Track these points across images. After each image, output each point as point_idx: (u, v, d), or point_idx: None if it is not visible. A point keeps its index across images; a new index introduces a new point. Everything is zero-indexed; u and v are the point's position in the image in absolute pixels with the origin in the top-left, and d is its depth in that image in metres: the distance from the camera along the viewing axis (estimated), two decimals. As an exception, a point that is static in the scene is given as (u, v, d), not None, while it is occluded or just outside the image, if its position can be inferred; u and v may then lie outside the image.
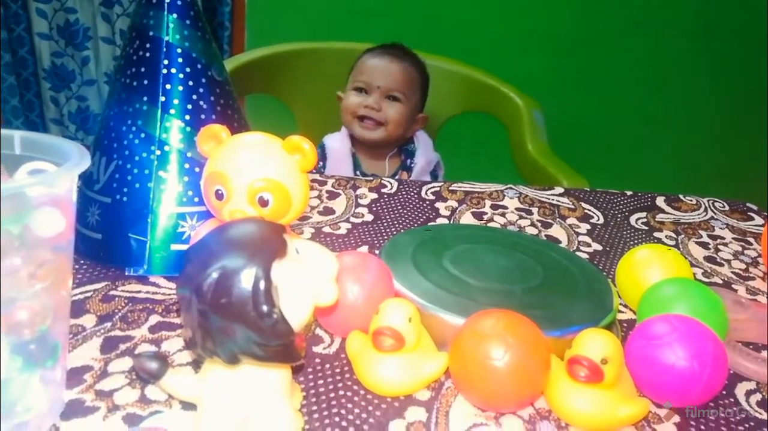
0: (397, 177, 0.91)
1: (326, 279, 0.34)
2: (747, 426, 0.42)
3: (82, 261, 0.53)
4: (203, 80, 0.52)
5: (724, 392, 0.45)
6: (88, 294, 0.49)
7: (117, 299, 0.49)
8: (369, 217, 0.67)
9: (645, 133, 2.24)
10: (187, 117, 0.51)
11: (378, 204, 0.70)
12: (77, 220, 0.43)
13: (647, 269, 0.53)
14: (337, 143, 1.21)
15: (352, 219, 0.66)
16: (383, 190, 0.73)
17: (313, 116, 1.45)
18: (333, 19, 2.06)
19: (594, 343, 0.39)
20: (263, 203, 0.42)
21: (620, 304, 0.56)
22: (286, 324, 0.31)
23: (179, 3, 0.51)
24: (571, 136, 2.12)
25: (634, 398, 0.41)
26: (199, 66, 0.52)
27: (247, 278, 0.30)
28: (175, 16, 0.51)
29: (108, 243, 0.51)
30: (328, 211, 0.67)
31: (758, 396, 0.46)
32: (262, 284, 0.30)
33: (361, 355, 0.40)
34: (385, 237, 0.63)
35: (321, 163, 1.21)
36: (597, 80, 2.15)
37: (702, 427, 0.42)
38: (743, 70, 2.18)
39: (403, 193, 0.73)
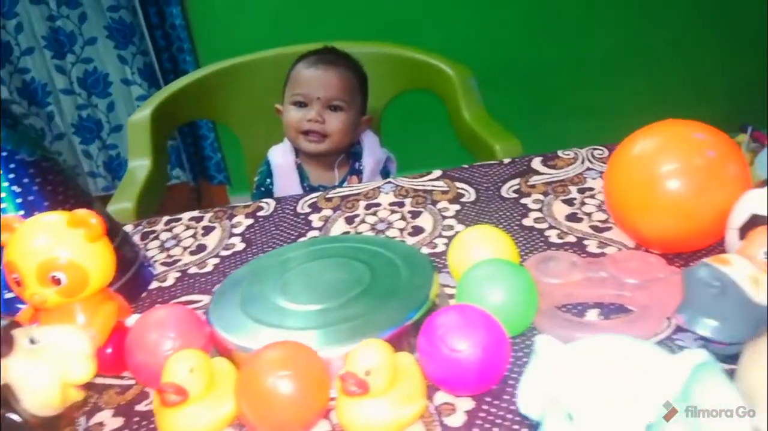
0: (345, 184, 0.92)
1: (76, 358, 0.37)
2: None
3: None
4: (12, 166, 0.55)
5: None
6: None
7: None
8: (240, 246, 0.70)
9: (590, 76, 2.24)
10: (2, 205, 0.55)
11: (252, 230, 0.73)
12: None
13: (468, 253, 0.56)
14: (281, 157, 1.21)
15: (222, 252, 0.70)
16: (259, 213, 0.76)
17: (254, 131, 1.48)
18: (269, 23, 2.09)
19: (358, 357, 0.42)
20: (56, 281, 0.46)
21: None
22: (33, 417, 0.35)
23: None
24: (517, 95, 2.14)
25: (413, 397, 0.43)
26: (4, 154, 0.55)
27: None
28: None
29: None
30: (200, 248, 0.71)
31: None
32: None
33: (158, 410, 0.44)
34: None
35: (268, 180, 1.22)
36: (530, 32, 2.15)
37: (490, 416, 0.44)
38: None
39: (279, 212, 0.76)
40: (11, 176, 0.55)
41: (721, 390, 0.29)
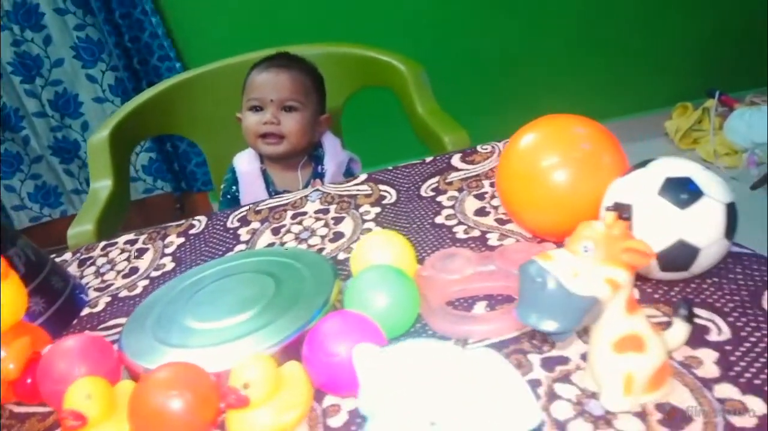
0: (309, 187, 0.94)
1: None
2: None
3: None
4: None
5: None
6: None
7: None
8: (171, 265, 0.74)
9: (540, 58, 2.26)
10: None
11: (183, 249, 0.77)
12: None
13: (363, 259, 0.59)
14: (246, 164, 1.24)
15: (153, 274, 0.73)
16: (191, 231, 0.80)
17: (218, 141, 1.50)
18: (250, 22, 2.11)
19: (236, 372, 0.45)
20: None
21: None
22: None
23: None
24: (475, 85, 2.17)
25: (296, 403, 0.47)
26: None
27: None
28: None
29: None
30: (132, 271, 0.74)
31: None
32: None
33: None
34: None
35: (234, 187, 1.26)
36: (482, 25, 2.16)
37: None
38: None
39: (210, 228, 0.80)
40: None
41: (505, 382, 0.31)
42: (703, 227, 0.49)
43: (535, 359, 0.49)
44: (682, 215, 0.49)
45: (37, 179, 2.30)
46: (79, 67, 2.16)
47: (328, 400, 0.49)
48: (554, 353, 0.50)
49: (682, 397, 0.43)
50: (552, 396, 0.46)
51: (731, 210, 0.49)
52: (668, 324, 0.45)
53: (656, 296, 0.53)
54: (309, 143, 1.21)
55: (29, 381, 0.54)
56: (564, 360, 0.49)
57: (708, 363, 0.45)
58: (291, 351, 0.51)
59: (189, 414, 0.45)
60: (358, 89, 1.50)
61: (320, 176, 1.23)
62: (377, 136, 1.85)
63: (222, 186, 1.29)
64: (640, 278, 0.55)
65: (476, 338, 0.53)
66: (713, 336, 0.48)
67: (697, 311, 0.50)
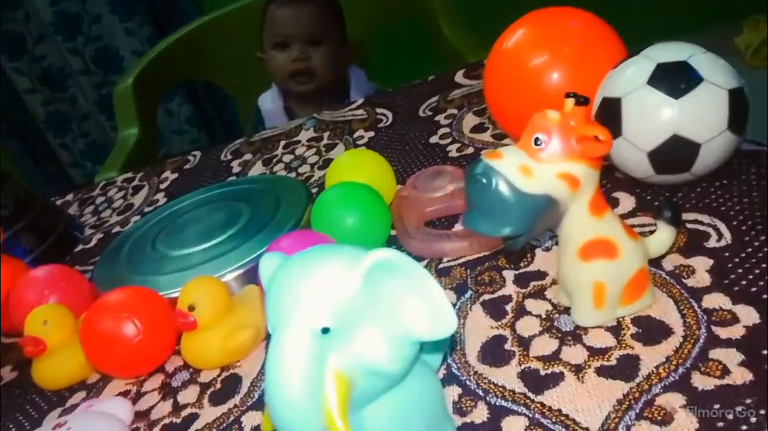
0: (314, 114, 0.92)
1: None
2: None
3: None
4: None
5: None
6: None
7: None
8: (163, 201, 0.73)
9: None
10: None
11: (176, 184, 0.75)
12: None
13: (336, 178, 0.55)
14: (269, 102, 1.23)
15: (146, 209, 0.72)
16: (185, 166, 0.78)
17: (243, 83, 1.49)
18: None
19: (183, 295, 0.43)
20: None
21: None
22: None
23: None
24: None
25: (248, 325, 0.44)
26: None
27: None
28: None
29: None
30: (127, 208, 0.74)
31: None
32: None
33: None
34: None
35: (260, 127, 1.25)
36: None
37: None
38: None
39: (203, 162, 0.78)
40: None
41: (405, 285, 0.28)
42: (701, 119, 0.42)
43: (509, 275, 0.45)
44: (676, 105, 0.42)
45: (87, 136, 2.37)
46: (116, 22, 2.17)
47: (290, 324, 0.47)
48: (531, 268, 0.45)
49: (664, 309, 0.38)
50: (520, 312, 0.41)
51: (736, 97, 0.42)
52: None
53: (657, 203, 0.47)
54: (337, 77, 1.17)
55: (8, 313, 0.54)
56: (541, 275, 0.44)
57: (700, 271, 0.40)
58: (255, 275, 0.49)
59: (137, 335, 0.43)
60: (383, 20, 1.44)
61: None
62: (406, 67, 1.77)
63: (247, 128, 1.28)
64: (640, 186, 0.49)
65: (451, 256, 0.49)
66: (712, 243, 0.41)
67: (699, 216, 0.44)
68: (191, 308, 0.43)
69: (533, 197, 0.34)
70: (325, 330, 0.27)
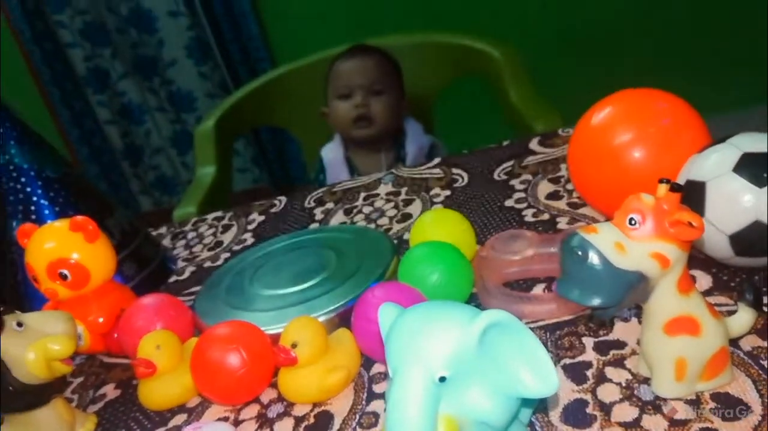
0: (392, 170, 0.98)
1: (56, 337, 0.46)
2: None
3: None
4: (39, 183, 0.66)
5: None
6: None
7: None
8: (251, 240, 0.78)
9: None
10: (33, 217, 0.66)
11: (263, 225, 0.81)
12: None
13: (421, 235, 0.59)
14: (331, 152, 1.31)
15: (235, 247, 0.78)
16: (272, 209, 0.84)
17: (313, 132, 1.57)
18: (338, 22, 2.16)
19: (286, 332, 0.48)
20: (63, 277, 0.56)
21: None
22: (22, 385, 0.44)
23: (7, 124, 0.65)
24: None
25: (342, 366, 0.48)
26: (32, 173, 0.66)
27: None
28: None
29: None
30: (217, 245, 0.79)
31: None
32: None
33: (140, 383, 0.53)
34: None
35: (322, 175, 1.32)
36: None
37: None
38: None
39: (288, 208, 0.83)
40: (39, 191, 0.66)
41: (514, 344, 0.31)
42: (783, 208, 0.45)
43: (588, 341, 0.48)
44: (760, 193, 0.45)
45: (157, 169, 2.50)
46: (191, 65, 2.31)
47: (377, 368, 0.51)
48: (611, 337, 0.47)
49: (742, 388, 0.40)
50: (601, 379, 0.44)
51: (818, 190, 0.45)
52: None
53: (733, 284, 0.49)
54: (395, 126, 1.24)
55: (116, 335, 0.59)
56: (620, 345, 0.47)
57: (779, 354, 0.42)
58: (345, 319, 0.53)
59: (243, 366, 0.47)
60: (449, 82, 1.50)
61: (402, 159, 1.25)
62: (471, 128, 1.83)
63: (311, 175, 1.36)
64: (717, 266, 0.51)
65: (530, 318, 0.52)
66: (790, 327, 0.43)
67: (776, 300, 0.46)
68: (294, 345, 0.47)
69: (626, 273, 0.37)
70: (442, 379, 0.30)
